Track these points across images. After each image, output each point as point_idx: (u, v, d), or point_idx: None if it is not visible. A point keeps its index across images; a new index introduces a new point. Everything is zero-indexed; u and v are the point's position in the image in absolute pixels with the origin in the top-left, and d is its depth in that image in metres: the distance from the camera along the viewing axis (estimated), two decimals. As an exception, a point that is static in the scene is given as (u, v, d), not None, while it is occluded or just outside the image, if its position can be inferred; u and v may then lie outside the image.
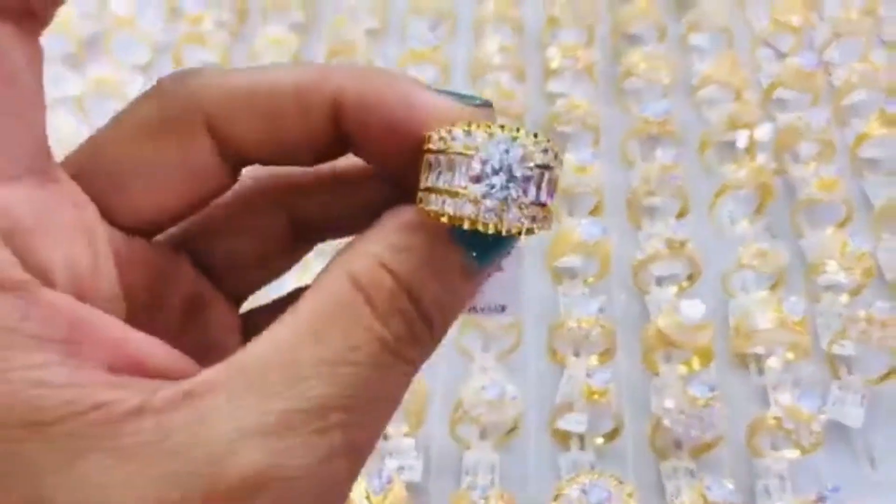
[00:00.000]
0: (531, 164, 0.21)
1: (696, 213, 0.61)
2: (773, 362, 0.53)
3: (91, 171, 0.23)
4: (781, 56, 0.70)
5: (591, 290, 0.56)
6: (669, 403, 0.48)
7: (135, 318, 0.23)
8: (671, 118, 0.63)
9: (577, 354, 0.54)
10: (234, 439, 0.19)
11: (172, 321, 0.25)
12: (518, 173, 0.20)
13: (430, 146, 0.21)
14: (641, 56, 0.68)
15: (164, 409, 0.19)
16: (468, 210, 0.20)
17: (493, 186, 0.20)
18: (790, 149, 0.64)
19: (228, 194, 0.25)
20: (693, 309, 0.51)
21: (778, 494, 0.49)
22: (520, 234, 0.21)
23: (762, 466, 0.50)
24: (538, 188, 0.21)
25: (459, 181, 0.21)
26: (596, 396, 0.48)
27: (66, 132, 0.62)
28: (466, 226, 0.21)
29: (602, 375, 0.50)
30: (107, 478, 0.18)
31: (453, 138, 0.21)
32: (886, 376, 0.52)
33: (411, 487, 0.48)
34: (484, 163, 0.20)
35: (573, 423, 0.50)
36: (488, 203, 0.20)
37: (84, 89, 0.66)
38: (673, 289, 0.56)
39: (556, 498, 0.44)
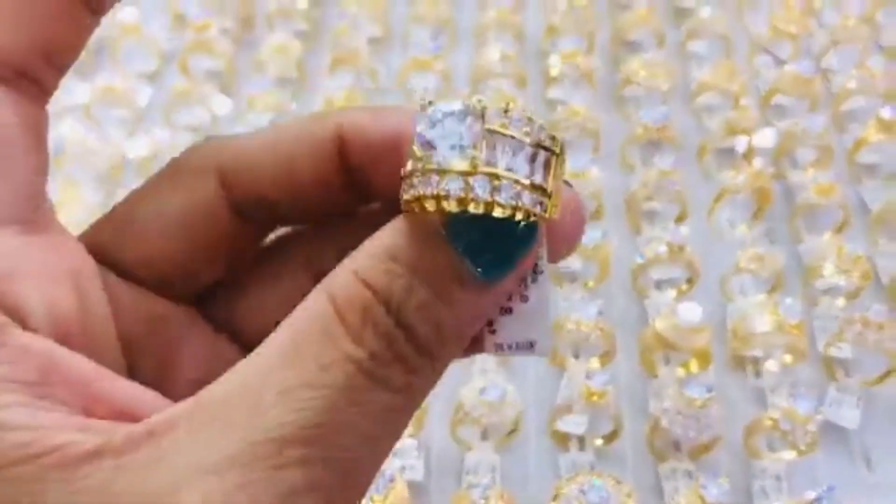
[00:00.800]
0: (525, 139, 0.19)
1: (695, 218, 0.61)
2: (770, 365, 0.54)
3: (106, 226, 0.24)
4: (780, 63, 0.71)
5: (591, 293, 0.57)
6: (667, 404, 0.49)
7: (150, 379, 0.23)
8: (670, 124, 0.64)
9: (576, 357, 0.54)
10: (186, 477, 0.17)
11: (185, 384, 0.24)
12: (506, 146, 0.19)
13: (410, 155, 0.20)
14: (641, 63, 0.69)
15: (125, 450, 0.18)
16: (455, 185, 0.18)
17: (480, 158, 0.18)
18: (788, 154, 0.65)
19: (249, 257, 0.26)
20: (690, 312, 0.52)
21: (775, 495, 0.49)
22: (514, 216, 0.19)
23: (759, 468, 0.50)
24: (532, 164, 0.19)
25: (440, 157, 0.19)
26: (595, 398, 0.49)
27: (73, 140, 0.63)
28: (454, 207, 0.18)
29: (601, 377, 0.51)
30: None
31: (431, 126, 0.19)
32: (883, 378, 0.53)
33: (413, 487, 0.49)
34: (470, 126, 0.19)
35: (572, 424, 0.51)
36: (479, 177, 0.18)
37: (92, 97, 0.67)
38: (672, 292, 0.57)
39: (554, 498, 0.45)
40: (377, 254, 0.20)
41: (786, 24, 0.71)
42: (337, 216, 0.25)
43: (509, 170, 0.18)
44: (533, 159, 0.19)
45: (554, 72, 0.68)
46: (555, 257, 0.23)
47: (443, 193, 0.18)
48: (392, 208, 0.22)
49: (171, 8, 0.74)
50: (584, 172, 0.61)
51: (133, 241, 0.24)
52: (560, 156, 0.20)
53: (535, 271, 0.21)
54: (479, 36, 0.73)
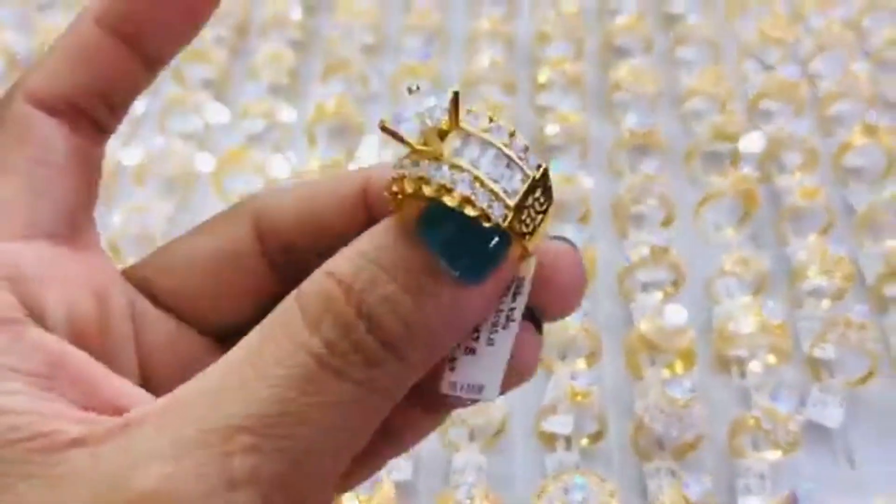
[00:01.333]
0: (506, 149, 0.20)
1: (682, 222, 0.62)
2: (754, 366, 0.54)
3: (153, 257, 0.26)
4: (767, 68, 0.72)
5: (578, 296, 0.58)
6: (650, 404, 0.50)
7: (159, 394, 0.23)
8: (657, 129, 0.65)
9: (563, 358, 0.55)
10: (145, 462, 0.18)
11: (159, 383, 0.25)
12: (490, 149, 0.19)
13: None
14: (629, 69, 0.70)
15: (102, 440, 0.19)
16: (442, 174, 0.19)
17: (479, 163, 0.19)
18: (775, 158, 0.65)
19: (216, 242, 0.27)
20: (675, 314, 0.53)
21: (759, 493, 0.50)
22: (479, 220, 0.19)
23: (743, 467, 0.51)
24: (516, 185, 0.20)
25: (441, 147, 0.19)
26: (579, 398, 0.50)
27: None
28: (430, 192, 0.19)
29: (587, 379, 0.51)
30: (38, 502, 0.18)
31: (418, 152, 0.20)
32: (865, 379, 0.54)
33: (401, 487, 0.50)
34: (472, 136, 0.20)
35: (558, 424, 0.51)
36: (463, 173, 0.19)
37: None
38: (658, 295, 0.58)
39: (539, 496, 0.46)
40: (348, 252, 0.20)
41: (773, 30, 0.72)
42: None
43: (494, 181, 0.19)
44: (521, 182, 0.19)
45: (543, 78, 0.69)
46: (551, 313, 0.23)
47: (426, 176, 0.19)
48: None
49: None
50: (573, 177, 0.62)
51: (166, 272, 0.25)
52: (548, 193, 0.20)
53: (509, 318, 0.21)
54: (471, 43, 0.74)
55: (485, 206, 0.19)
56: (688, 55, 0.74)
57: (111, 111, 0.24)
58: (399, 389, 0.20)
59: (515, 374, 0.22)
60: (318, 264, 0.24)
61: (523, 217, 0.20)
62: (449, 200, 0.19)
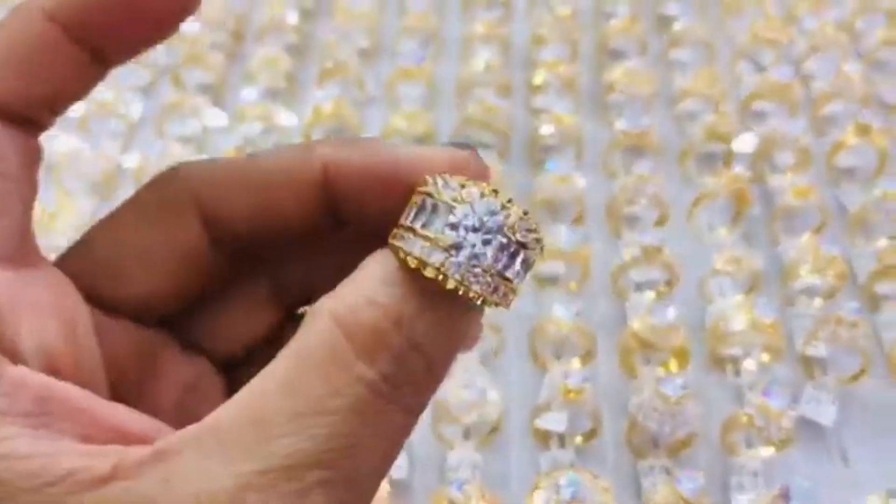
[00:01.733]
0: (512, 236, 0.20)
1: (676, 222, 0.63)
2: (748, 364, 0.55)
3: (86, 260, 0.24)
4: (760, 69, 0.73)
5: (572, 295, 0.58)
6: (644, 402, 0.50)
7: (125, 401, 0.23)
8: (651, 130, 0.66)
9: (558, 357, 0.56)
10: (194, 499, 0.18)
11: (167, 405, 0.25)
12: (495, 239, 0.20)
13: (423, 188, 0.21)
14: (624, 71, 0.70)
15: (133, 473, 0.18)
16: (436, 258, 0.20)
17: (465, 240, 0.20)
18: (767, 158, 0.66)
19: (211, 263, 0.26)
20: (666, 312, 0.53)
21: (752, 490, 0.50)
22: (477, 299, 0.20)
23: (737, 464, 0.51)
24: (510, 262, 0.20)
25: (437, 227, 0.20)
26: (573, 396, 0.50)
27: (67, 151, 0.64)
28: (429, 274, 0.19)
29: (580, 376, 0.52)
30: None
31: (446, 186, 0.20)
32: (858, 376, 0.54)
33: (396, 485, 0.50)
34: (466, 215, 0.20)
35: (553, 422, 0.52)
36: (458, 257, 0.19)
37: (86, 110, 0.69)
38: (651, 294, 0.58)
39: (533, 492, 0.46)
40: (379, 276, 0.20)
41: (766, 32, 0.73)
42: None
43: (486, 261, 0.20)
44: (512, 257, 0.20)
45: (538, 80, 0.70)
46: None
47: (423, 259, 0.20)
48: (366, 232, 0.23)
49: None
50: (568, 178, 0.62)
51: (116, 280, 0.24)
52: (538, 251, 0.21)
53: None
54: (466, 46, 0.74)
55: (475, 289, 0.20)
56: (681, 57, 0.74)
57: (53, 114, 0.23)
58: (427, 404, 0.21)
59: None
60: (272, 245, 0.25)
61: (507, 287, 0.21)
62: (443, 284, 0.20)
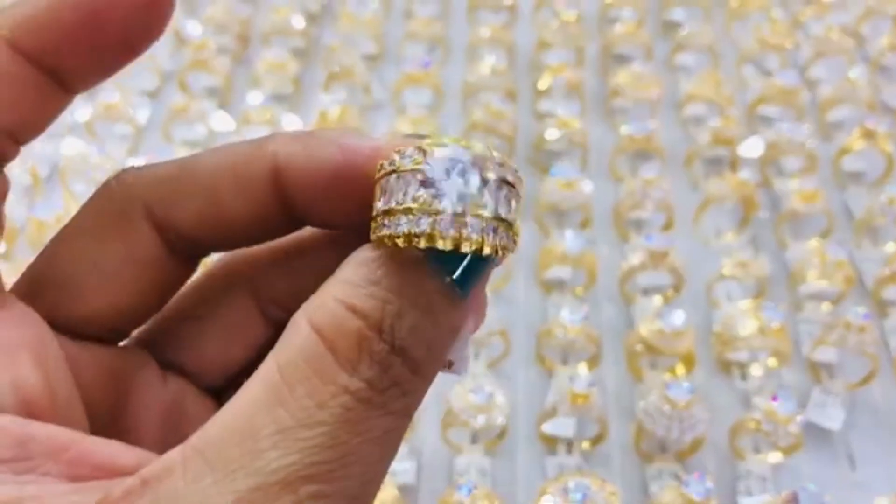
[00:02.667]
0: (487, 175, 0.19)
1: (682, 226, 0.63)
2: (755, 369, 0.55)
3: (43, 281, 0.23)
4: (766, 74, 0.73)
5: (579, 300, 0.58)
6: (650, 406, 0.50)
7: (106, 429, 0.22)
8: (656, 135, 0.66)
9: (564, 362, 0.56)
10: None
11: (150, 428, 0.24)
12: (472, 182, 0.19)
13: (381, 172, 0.20)
14: (629, 75, 0.70)
15: (123, 502, 0.18)
16: (423, 225, 0.19)
17: (445, 193, 0.19)
18: (774, 163, 0.66)
19: (188, 284, 0.25)
20: (674, 317, 0.53)
21: (760, 494, 0.50)
22: (480, 249, 0.19)
23: (745, 468, 0.51)
24: (497, 202, 0.19)
25: (412, 195, 0.19)
26: (580, 400, 0.50)
27: (76, 156, 0.65)
28: (423, 243, 0.19)
29: (587, 381, 0.52)
30: None
31: (403, 156, 0.19)
32: (865, 381, 0.54)
33: (404, 489, 0.50)
34: (434, 169, 0.19)
35: (560, 427, 0.52)
36: (445, 214, 0.19)
37: (94, 114, 0.69)
38: (658, 299, 0.58)
39: (541, 496, 0.46)
40: (356, 281, 0.19)
41: (772, 37, 0.73)
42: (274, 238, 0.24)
43: (474, 205, 0.19)
44: (497, 196, 0.19)
45: (543, 85, 0.70)
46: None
47: (412, 232, 0.19)
48: (336, 231, 0.23)
49: (172, 27, 0.76)
50: (574, 182, 0.62)
51: (77, 300, 0.23)
52: (520, 184, 0.20)
53: None
54: (472, 51, 0.74)
55: (475, 237, 0.19)
56: (687, 62, 0.74)
57: (18, 144, 0.21)
58: (419, 404, 0.20)
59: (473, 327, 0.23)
60: (228, 245, 0.24)
61: (507, 229, 0.20)
62: (441, 245, 0.19)
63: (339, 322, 0.19)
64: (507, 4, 0.78)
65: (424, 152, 0.19)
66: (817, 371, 0.55)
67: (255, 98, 0.70)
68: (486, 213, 0.19)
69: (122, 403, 0.24)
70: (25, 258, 0.59)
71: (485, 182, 0.19)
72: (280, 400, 0.18)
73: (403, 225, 0.19)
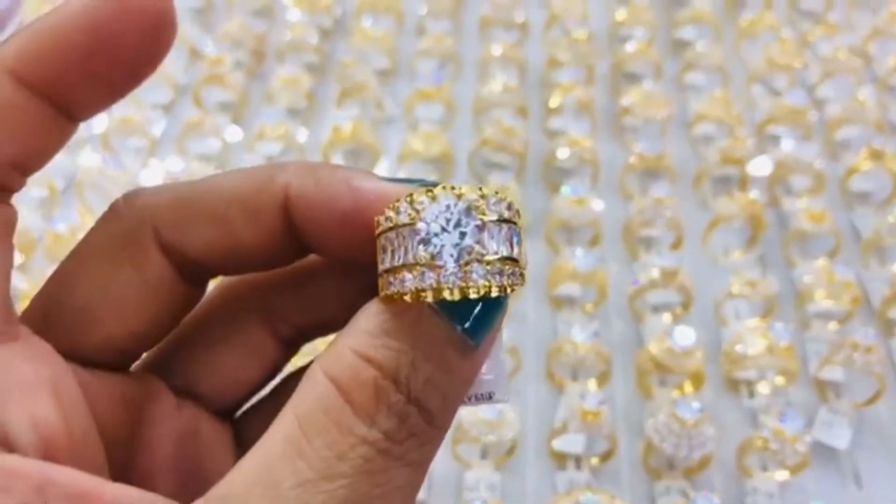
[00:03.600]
0: (483, 217, 0.19)
1: (691, 245, 0.63)
2: (762, 387, 0.55)
3: (55, 308, 0.23)
4: (775, 94, 0.73)
5: (589, 317, 0.59)
6: (658, 424, 0.50)
7: (119, 456, 0.22)
8: (667, 153, 0.66)
9: (574, 378, 0.56)
10: None
11: (164, 456, 0.24)
12: (469, 227, 0.19)
13: (380, 229, 0.20)
14: (639, 94, 0.71)
15: None
16: (429, 280, 0.19)
17: (445, 246, 0.19)
18: (782, 182, 0.67)
19: (199, 307, 0.25)
20: (684, 336, 0.54)
21: (767, 513, 0.51)
22: (489, 293, 0.19)
23: (752, 486, 0.52)
24: (498, 242, 0.19)
25: (413, 251, 0.19)
26: (590, 417, 0.51)
27: (91, 169, 0.65)
28: (430, 298, 0.19)
29: (597, 398, 0.52)
30: None
31: (398, 212, 0.20)
32: (872, 400, 0.54)
33: (414, 504, 0.50)
34: (430, 223, 0.19)
35: (570, 443, 0.52)
36: (448, 266, 0.19)
37: (109, 127, 0.70)
38: (667, 316, 0.59)
39: (550, 513, 0.46)
40: (371, 331, 0.20)
41: (780, 57, 0.73)
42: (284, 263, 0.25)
43: (476, 254, 0.19)
44: (497, 236, 0.19)
45: (554, 102, 0.71)
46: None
47: (418, 288, 0.19)
48: (349, 269, 0.23)
49: (187, 43, 0.77)
50: (584, 200, 0.63)
51: (90, 327, 0.23)
52: (518, 217, 0.20)
53: None
54: (483, 68, 0.75)
55: (481, 283, 0.19)
56: (696, 81, 0.75)
57: (24, 175, 0.21)
58: (435, 454, 0.21)
59: None
60: (236, 271, 0.24)
61: (512, 267, 0.20)
62: (449, 296, 0.19)
63: (355, 373, 0.19)
64: (519, 22, 0.79)
65: (417, 209, 0.19)
66: (824, 390, 0.56)
67: (270, 113, 0.71)
68: (490, 257, 0.19)
69: (137, 432, 0.24)
70: (42, 270, 0.59)
71: (482, 226, 0.19)
72: (300, 452, 0.19)
73: (409, 282, 0.19)
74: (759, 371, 0.56)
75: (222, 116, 0.71)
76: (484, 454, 0.53)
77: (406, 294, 0.19)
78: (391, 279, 0.19)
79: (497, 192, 0.20)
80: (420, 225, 0.19)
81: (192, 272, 0.23)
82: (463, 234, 0.19)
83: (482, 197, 0.19)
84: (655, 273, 0.58)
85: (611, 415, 0.53)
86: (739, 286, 0.59)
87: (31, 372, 0.21)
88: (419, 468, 0.20)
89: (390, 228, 0.20)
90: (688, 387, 0.54)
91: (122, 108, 0.71)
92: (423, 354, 0.19)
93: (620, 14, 0.79)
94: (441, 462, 0.53)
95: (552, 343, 0.57)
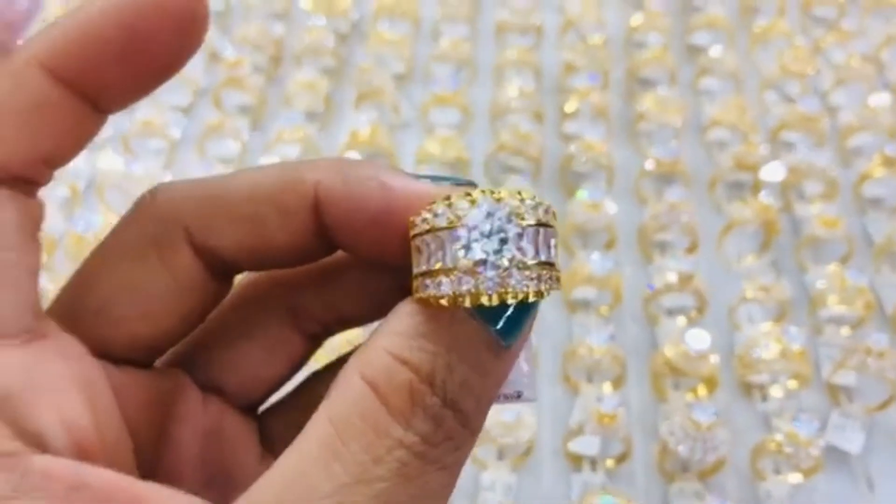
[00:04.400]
0: (523, 223, 0.19)
1: (705, 249, 0.64)
2: (775, 391, 0.56)
3: (81, 305, 0.22)
4: (788, 100, 0.74)
5: (604, 320, 0.60)
6: (674, 427, 0.51)
7: (146, 453, 0.22)
8: (681, 159, 0.67)
9: (589, 381, 0.57)
10: None
11: (188, 449, 0.24)
12: (510, 233, 0.19)
13: (415, 231, 0.20)
14: (654, 99, 0.71)
15: None
16: (467, 285, 0.19)
17: (486, 252, 0.19)
18: (795, 188, 0.67)
19: (225, 302, 0.25)
20: (699, 339, 0.55)
21: (780, 515, 0.51)
22: (527, 298, 0.19)
23: (765, 489, 0.52)
24: (537, 247, 0.19)
25: (451, 256, 0.19)
26: (606, 420, 0.51)
27: (112, 170, 0.66)
28: (468, 303, 0.19)
29: (613, 401, 0.53)
30: None
31: (436, 215, 0.19)
32: (885, 405, 0.55)
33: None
34: (471, 229, 0.19)
35: (585, 445, 0.53)
36: (488, 272, 0.19)
37: (129, 129, 0.70)
38: (682, 320, 0.59)
39: (567, 514, 0.47)
40: (406, 333, 0.20)
41: (793, 63, 0.74)
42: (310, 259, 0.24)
43: (515, 259, 0.19)
44: (536, 241, 0.19)
45: (570, 107, 0.71)
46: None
47: (457, 293, 0.19)
48: (379, 266, 0.23)
49: (206, 46, 0.78)
50: (598, 204, 0.64)
51: (119, 324, 0.23)
52: (555, 220, 0.21)
53: None
54: (498, 73, 0.76)
55: (520, 288, 0.19)
56: (711, 86, 0.76)
57: (51, 169, 0.21)
58: (467, 458, 0.20)
59: None
60: (264, 267, 0.24)
61: (549, 271, 0.20)
62: (487, 301, 0.19)
63: (390, 375, 0.19)
64: (535, 27, 0.80)
65: (458, 215, 0.19)
66: (837, 394, 0.56)
67: (287, 116, 0.72)
68: (529, 262, 0.19)
69: (164, 429, 0.24)
70: (64, 270, 0.60)
71: (522, 232, 0.19)
72: (335, 455, 0.18)
73: (446, 286, 0.19)
74: (772, 375, 0.56)
75: (241, 119, 0.72)
76: (500, 455, 0.54)
77: (442, 298, 0.19)
78: (427, 282, 0.19)
79: (534, 197, 0.20)
80: (461, 231, 0.19)
81: (220, 268, 0.23)
82: (504, 241, 0.19)
83: (521, 201, 0.19)
84: (670, 277, 0.58)
85: (626, 417, 0.54)
86: (753, 291, 0.60)
87: (62, 370, 0.20)
88: (453, 472, 0.20)
89: (427, 231, 0.20)
90: (702, 390, 0.55)
91: (143, 111, 0.72)
92: (458, 357, 0.19)
93: (635, 20, 0.79)
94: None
95: (568, 346, 0.58)
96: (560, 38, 0.80)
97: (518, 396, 0.23)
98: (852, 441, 0.54)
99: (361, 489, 0.18)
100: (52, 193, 0.67)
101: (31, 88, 0.20)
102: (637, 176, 0.68)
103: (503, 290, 0.19)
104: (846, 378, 0.56)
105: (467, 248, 0.19)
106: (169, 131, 0.71)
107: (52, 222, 0.64)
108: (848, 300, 0.59)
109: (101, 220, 0.63)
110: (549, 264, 0.19)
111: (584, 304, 0.61)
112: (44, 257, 0.62)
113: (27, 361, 0.20)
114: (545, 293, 0.19)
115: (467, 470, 0.53)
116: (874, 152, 0.68)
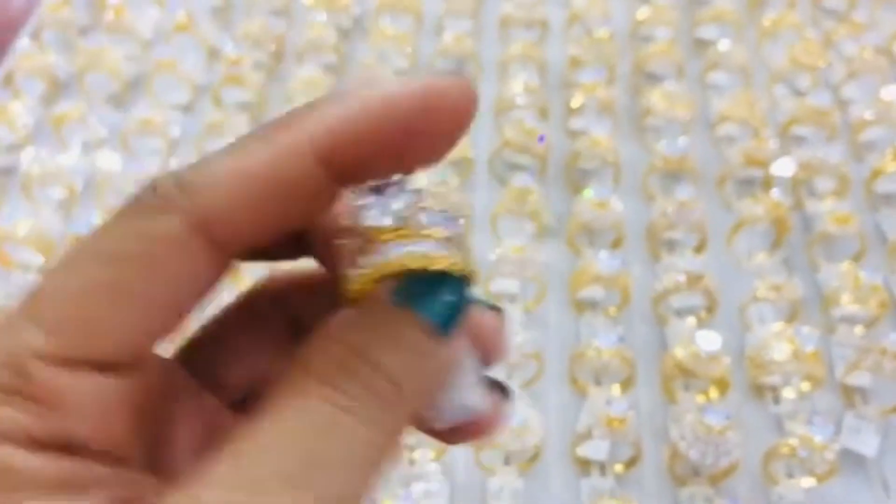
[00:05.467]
0: (432, 207, 0.20)
1: (715, 247, 0.63)
2: (788, 392, 0.55)
3: (81, 303, 0.21)
4: (798, 94, 0.73)
5: (613, 321, 0.58)
6: (685, 431, 0.50)
7: (144, 447, 0.22)
8: (690, 155, 0.66)
9: (598, 383, 0.56)
10: None
11: (186, 445, 0.24)
12: (419, 213, 0.20)
13: (339, 241, 0.21)
14: (661, 94, 0.70)
15: None
16: (385, 217, 0.20)
17: (400, 220, 0.20)
18: (807, 184, 0.66)
19: (227, 304, 0.25)
20: (709, 340, 0.53)
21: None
22: (446, 268, 0.20)
23: (777, 494, 0.51)
24: (439, 225, 0.20)
25: (368, 234, 0.20)
26: (615, 424, 0.50)
27: (110, 168, 0.65)
28: (389, 270, 0.20)
29: (622, 404, 0.52)
30: None
31: (346, 217, 0.21)
32: (900, 407, 0.54)
33: (438, 510, 0.50)
34: (383, 209, 0.20)
35: (594, 449, 0.52)
36: (396, 203, 0.20)
37: (128, 127, 0.69)
38: (692, 320, 0.58)
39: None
40: (339, 323, 0.21)
41: (804, 56, 0.73)
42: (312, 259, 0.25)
43: (428, 221, 0.20)
44: (445, 221, 0.20)
45: (576, 103, 0.70)
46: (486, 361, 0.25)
47: (382, 262, 0.20)
48: None
49: (206, 42, 0.77)
50: (605, 202, 0.62)
51: (112, 331, 0.21)
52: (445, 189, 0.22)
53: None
54: (503, 68, 0.75)
55: (434, 253, 0.20)
56: (719, 80, 0.74)
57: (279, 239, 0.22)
58: (401, 431, 0.21)
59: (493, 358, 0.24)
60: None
61: (460, 250, 0.21)
62: (411, 264, 0.20)
63: (322, 351, 0.20)
64: (540, 21, 0.78)
65: (370, 204, 0.20)
66: (851, 395, 0.55)
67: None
68: (438, 235, 0.20)
69: (163, 425, 0.23)
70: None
71: (432, 214, 0.20)
72: (266, 417, 0.19)
73: (367, 263, 0.20)
74: (784, 376, 0.55)
75: (241, 117, 0.71)
76: (507, 460, 0.52)
77: (367, 274, 0.20)
78: (352, 271, 0.20)
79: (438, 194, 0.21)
80: (373, 211, 0.20)
81: (228, 261, 0.22)
82: (413, 215, 0.20)
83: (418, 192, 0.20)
84: (680, 276, 0.57)
85: (635, 420, 0.53)
86: (764, 290, 0.58)
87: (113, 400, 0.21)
88: (381, 433, 0.20)
89: (348, 231, 0.21)
90: (713, 392, 0.54)
91: (142, 109, 0.71)
92: (392, 339, 0.20)
93: (642, 13, 0.78)
94: (464, 469, 0.53)
95: (575, 347, 0.57)
96: (565, 33, 0.78)
97: (467, 412, 0.23)
98: (867, 444, 0.53)
99: (286, 439, 0.19)
100: (51, 195, 0.66)
101: (300, 171, 0.20)
102: (645, 172, 0.67)
103: (417, 255, 0.20)
104: (860, 379, 0.55)
105: (379, 217, 0.20)
106: (168, 130, 0.70)
107: (50, 223, 0.63)
108: (861, 299, 0.57)
109: (100, 221, 0.62)
110: (460, 245, 0.20)
111: (592, 305, 0.60)
112: (42, 258, 0.61)
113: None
114: (463, 268, 0.20)
115: (475, 476, 0.52)
116: (887, 147, 0.66)
